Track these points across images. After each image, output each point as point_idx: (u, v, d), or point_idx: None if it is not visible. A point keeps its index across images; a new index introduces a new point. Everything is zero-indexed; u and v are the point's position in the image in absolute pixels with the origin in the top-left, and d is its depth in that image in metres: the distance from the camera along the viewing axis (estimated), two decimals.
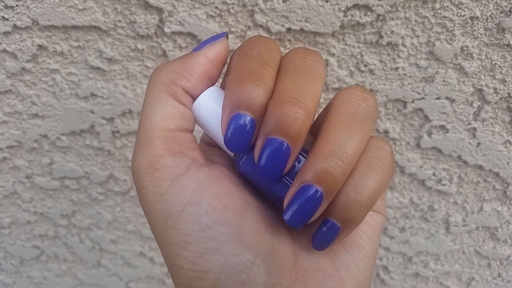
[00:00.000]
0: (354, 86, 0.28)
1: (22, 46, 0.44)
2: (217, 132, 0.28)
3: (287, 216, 0.25)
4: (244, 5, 0.40)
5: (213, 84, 0.29)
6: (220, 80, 0.40)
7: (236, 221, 0.26)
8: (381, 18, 0.39)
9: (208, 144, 0.32)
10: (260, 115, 0.26)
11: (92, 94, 0.47)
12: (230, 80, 0.26)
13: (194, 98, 0.29)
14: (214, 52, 0.29)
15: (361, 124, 0.26)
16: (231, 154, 0.29)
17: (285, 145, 0.25)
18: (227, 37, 0.30)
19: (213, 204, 0.26)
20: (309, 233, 0.29)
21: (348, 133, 0.25)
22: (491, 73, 0.42)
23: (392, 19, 0.39)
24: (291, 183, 0.27)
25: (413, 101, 0.45)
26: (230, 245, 0.25)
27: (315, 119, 0.30)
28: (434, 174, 0.51)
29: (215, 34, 0.41)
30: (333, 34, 0.41)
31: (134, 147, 0.28)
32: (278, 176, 0.26)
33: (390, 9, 0.39)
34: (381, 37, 0.40)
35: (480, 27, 0.39)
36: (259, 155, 0.26)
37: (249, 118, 0.25)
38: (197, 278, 0.25)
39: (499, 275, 0.62)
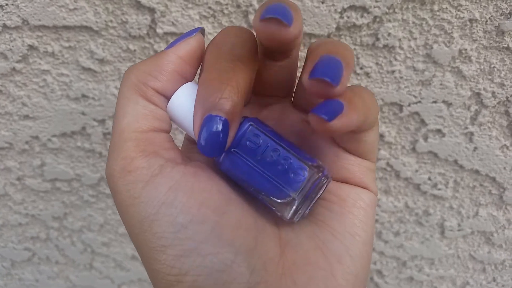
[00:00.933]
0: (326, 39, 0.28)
1: (12, 46, 0.43)
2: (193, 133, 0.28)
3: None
4: (238, 6, 0.39)
5: (188, 82, 0.28)
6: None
7: (214, 218, 0.25)
8: (378, 20, 0.39)
9: (192, 141, 0.31)
10: (233, 115, 0.25)
11: (84, 96, 0.46)
12: (201, 81, 0.26)
13: (166, 97, 0.28)
14: (186, 49, 0.28)
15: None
16: None
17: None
18: (202, 33, 0.29)
19: (189, 202, 0.25)
20: (297, 225, 0.28)
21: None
22: (490, 77, 0.42)
23: (389, 21, 0.39)
24: (271, 177, 0.26)
25: (409, 105, 0.44)
26: (208, 244, 0.24)
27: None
28: (429, 179, 0.51)
29: (208, 35, 0.40)
30: (328, 36, 0.40)
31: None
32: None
33: (387, 10, 0.38)
34: (378, 39, 0.40)
35: (479, 30, 0.39)
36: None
37: (222, 119, 0.25)
38: (175, 282, 0.24)
39: (494, 279, 0.62)
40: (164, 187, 0.25)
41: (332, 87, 0.23)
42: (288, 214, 0.27)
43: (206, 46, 0.28)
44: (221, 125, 0.25)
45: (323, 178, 0.27)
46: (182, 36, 0.28)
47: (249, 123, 0.27)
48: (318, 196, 0.27)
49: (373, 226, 0.29)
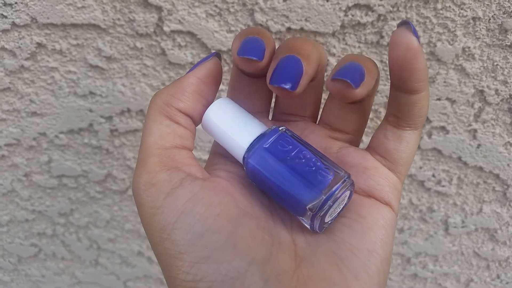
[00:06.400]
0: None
1: (21, 44, 0.43)
2: (227, 139, 0.29)
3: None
4: (244, 4, 0.39)
5: (208, 102, 0.30)
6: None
7: (230, 228, 0.26)
8: (382, 18, 0.39)
9: (218, 155, 0.33)
10: (269, 43, 0.28)
11: (91, 93, 0.47)
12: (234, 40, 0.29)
13: (189, 116, 0.30)
14: (205, 71, 0.30)
15: None
16: (240, 157, 0.29)
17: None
18: (218, 56, 0.31)
19: (206, 213, 0.26)
20: (314, 242, 0.28)
21: None
22: (493, 74, 0.42)
23: (394, 19, 0.39)
24: (299, 176, 0.27)
25: None
26: (223, 252, 0.25)
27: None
28: (433, 175, 0.51)
29: (214, 33, 0.41)
30: (333, 34, 0.41)
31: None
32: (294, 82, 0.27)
33: (391, 9, 0.38)
34: (382, 37, 0.40)
35: (482, 28, 0.39)
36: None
37: (259, 38, 0.28)
38: None
39: (498, 276, 0.62)
40: (184, 198, 0.26)
41: (352, 88, 0.26)
42: (311, 213, 0.27)
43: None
44: (259, 39, 0.28)
45: (348, 180, 0.27)
46: (200, 61, 0.31)
47: (282, 128, 0.29)
48: (342, 206, 0.28)
49: (392, 245, 0.29)
